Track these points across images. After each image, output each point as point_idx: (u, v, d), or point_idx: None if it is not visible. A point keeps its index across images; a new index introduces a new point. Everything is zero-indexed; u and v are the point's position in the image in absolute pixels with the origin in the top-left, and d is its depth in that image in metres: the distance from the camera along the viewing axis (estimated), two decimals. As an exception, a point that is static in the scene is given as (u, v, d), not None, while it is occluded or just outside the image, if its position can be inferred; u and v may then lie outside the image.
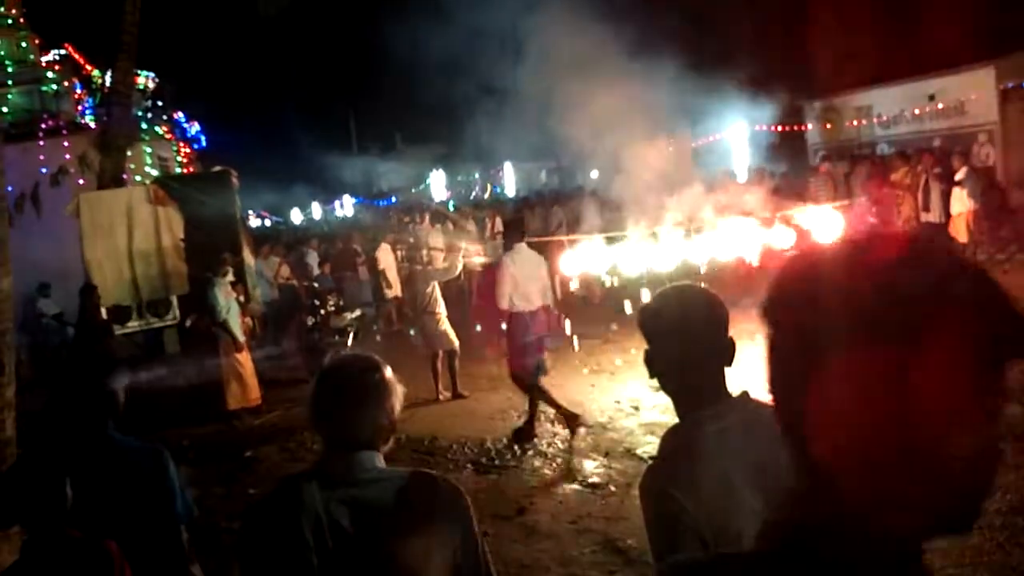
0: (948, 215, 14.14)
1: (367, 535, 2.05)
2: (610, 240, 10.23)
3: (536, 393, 8.30)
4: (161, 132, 21.61)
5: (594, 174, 26.30)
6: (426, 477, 2.22)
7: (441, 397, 9.96)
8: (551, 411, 8.81)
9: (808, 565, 0.90)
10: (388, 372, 2.25)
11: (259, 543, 2.12)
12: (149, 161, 18.65)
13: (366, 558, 2.03)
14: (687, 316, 2.15)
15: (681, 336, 2.13)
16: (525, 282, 8.19)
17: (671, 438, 2.20)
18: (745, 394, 2.20)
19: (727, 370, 2.18)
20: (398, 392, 2.26)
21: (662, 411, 8.33)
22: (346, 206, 37.74)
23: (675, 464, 2.13)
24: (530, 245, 8.75)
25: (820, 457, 0.89)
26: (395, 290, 14.18)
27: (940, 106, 16.93)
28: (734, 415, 2.11)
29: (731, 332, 2.20)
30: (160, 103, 23.07)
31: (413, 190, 34.15)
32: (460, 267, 10.63)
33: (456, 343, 9.96)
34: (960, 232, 13.66)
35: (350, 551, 2.03)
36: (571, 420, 8.15)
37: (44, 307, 14.09)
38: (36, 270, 12.37)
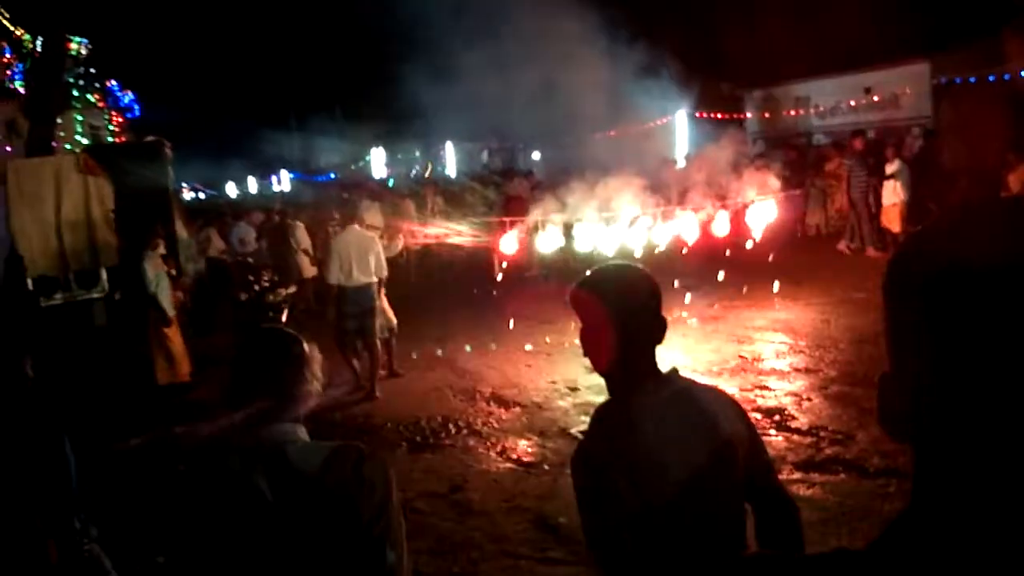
0: (879, 205, 14.47)
1: (288, 505, 2.06)
2: (547, 223, 10.24)
3: (354, 357, 9.33)
4: (93, 100, 21.05)
5: (535, 156, 26.39)
6: (347, 448, 2.23)
7: (377, 376, 9.88)
8: (487, 390, 8.88)
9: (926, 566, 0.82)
10: (305, 346, 2.28)
11: (183, 514, 2.14)
12: (80, 129, 18.17)
13: (287, 527, 2.05)
14: (621, 295, 2.15)
15: (614, 314, 2.13)
16: (348, 261, 9.15)
17: (603, 413, 2.22)
18: (675, 371, 2.22)
19: (658, 348, 2.20)
20: (317, 365, 2.29)
21: (597, 392, 8.39)
22: (283, 181, 37.23)
23: (606, 439, 2.15)
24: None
25: None
26: (313, 270, 14.09)
27: (875, 99, 17.29)
28: (664, 391, 2.14)
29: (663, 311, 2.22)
30: (92, 70, 22.43)
31: (353, 167, 33.80)
32: (400, 246, 10.55)
33: (394, 321, 9.89)
34: (893, 222, 13.99)
35: (272, 521, 2.05)
36: (369, 394, 9.13)
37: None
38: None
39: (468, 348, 10.68)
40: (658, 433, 2.04)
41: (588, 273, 2.28)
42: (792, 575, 0.90)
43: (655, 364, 2.19)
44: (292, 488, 2.08)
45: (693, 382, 2.28)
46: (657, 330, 2.17)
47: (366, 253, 9.27)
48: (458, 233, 14.12)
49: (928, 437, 0.84)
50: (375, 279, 9.33)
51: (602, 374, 2.23)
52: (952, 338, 0.78)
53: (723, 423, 2.13)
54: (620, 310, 2.12)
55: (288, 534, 2.05)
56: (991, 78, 15.23)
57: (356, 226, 9.58)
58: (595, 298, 2.17)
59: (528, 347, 10.53)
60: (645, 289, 2.18)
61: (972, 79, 15.51)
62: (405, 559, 2.23)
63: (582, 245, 9.60)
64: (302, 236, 14.72)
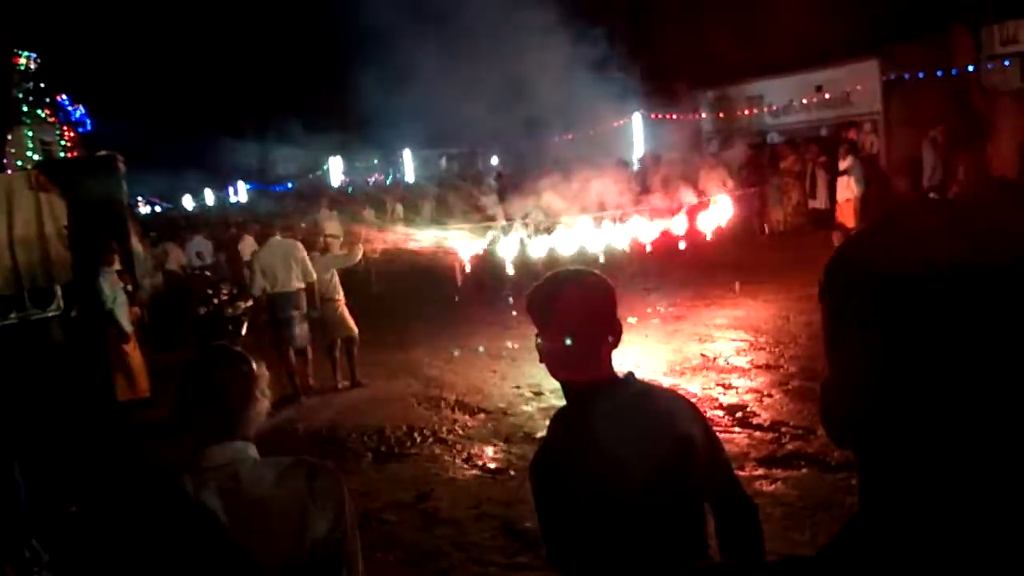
0: (834, 201, 14.68)
1: (240, 523, 2.06)
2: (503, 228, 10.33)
3: (287, 364, 9.43)
4: (43, 115, 20.73)
5: (494, 161, 26.40)
6: (299, 463, 2.22)
7: (340, 386, 9.84)
8: (452, 397, 8.87)
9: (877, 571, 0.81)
10: (254, 364, 2.28)
11: (134, 535, 2.12)
12: (31, 145, 17.88)
13: (240, 546, 2.04)
14: (574, 300, 2.16)
15: (569, 320, 2.14)
16: (273, 269, 9.56)
17: (559, 418, 2.23)
18: (630, 374, 2.23)
19: (613, 352, 2.20)
20: (265, 382, 2.28)
21: (561, 396, 8.40)
22: (240, 192, 36.87)
23: (563, 444, 2.16)
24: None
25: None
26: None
27: (827, 96, 17.52)
28: (620, 395, 2.15)
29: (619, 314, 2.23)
30: (42, 85, 22.08)
31: (311, 176, 33.58)
32: (360, 254, 10.50)
33: (355, 330, 9.84)
34: (848, 217, 14.18)
35: (224, 540, 2.04)
36: (302, 390, 9.51)
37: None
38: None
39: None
40: (614, 436, 2.05)
41: (542, 280, 2.28)
42: None
43: (611, 368, 2.20)
44: (245, 507, 2.07)
45: (650, 385, 2.30)
46: (613, 334, 2.17)
47: (288, 260, 9.55)
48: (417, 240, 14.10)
49: (874, 442, 0.83)
50: (301, 285, 9.55)
51: (558, 380, 2.23)
52: (904, 341, 0.77)
53: (679, 425, 2.15)
54: (574, 315, 2.13)
55: (242, 554, 2.04)
56: (939, 73, 15.50)
57: (277, 236, 9.98)
58: (549, 304, 2.18)
59: (492, 353, 10.52)
60: (599, 294, 2.18)
61: (920, 75, 15.77)
62: (361, 573, 2.23)
63: (538, 251, 9.68)
64: (246, 249, 14.50)
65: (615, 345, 2.18)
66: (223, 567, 2.04)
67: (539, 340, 2.20)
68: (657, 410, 2.16)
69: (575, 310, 2.13)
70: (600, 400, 2.12)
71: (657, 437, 2.09)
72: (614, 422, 2.07)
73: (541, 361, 2.23)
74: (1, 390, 3.30)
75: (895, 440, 0.80)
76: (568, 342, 2.13)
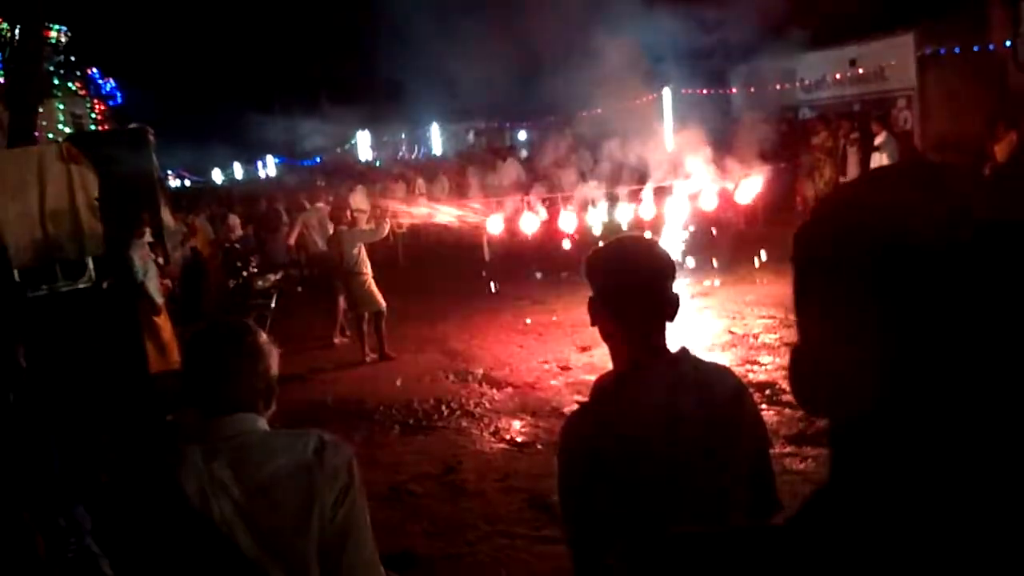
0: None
1: (251, 494, 2.07)
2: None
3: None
4: (74, 88, 20.89)
5: (521, 135, 26.30)
6: (309, 435, 2.21)
7: (368, 359, 9.88)
8: (479, 371, 8.89)
9: (841, 539, 0.81)
10: (261, 336, 2.28)
11: (141, 508, 2.13)
12: (62, 118, 18.03)
13: (251, 519, 2.05)
14: (632, 267, 2.13)
15: (624, 286, 2.11)
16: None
17: (603, 384, 2.18)
18: (684, 350, 2.18)
19: (668, 325, 2.16)
20: (273, 355, 2.28)
21: (589, 371, 8.40)
22: (269, 166, 37.01)
23: (602, 410, 2.12)
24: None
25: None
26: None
27: (861, 71, 17.24)
28: (670, 370, 2.10)
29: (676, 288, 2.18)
30: (73, 58, 22.23)
31: (338, 150, 33.62)
32: (387, 229, 10.51)
33: (383, 304, 9.87)
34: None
35: (234, 512, 2.05)
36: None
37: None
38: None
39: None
40: (665, 410, 2.00)
41: (605, 243, 2.25)
42: (710, 551, 0.87)
43: (664, 340, 2.15)
44: (254, 478, 2.07)
45: (704, 361, 2.23)
46: (668, 306, 2.13)
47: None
48: (445, 214, 14.08)
49: (849, 412, 0.82)
50: None
51: (610, 345, 2.18)
52: (902, 311, 0.75)
53: (731, 405, 2.09)
54: (635, 279, 2.10)
55: (252, 526, 2.05)
56: (975, 48, 15.20)
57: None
58: (612, 266, 2.15)
59: (519, 327, 10.52)
60: (661, 263, 2.15)
61: (957, 50, 15.48)
62: (371, 546, 2.22)
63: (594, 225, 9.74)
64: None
65: (671, 318, 2.14)
66: (235, 537, 2.04)
67: (594, 302, 2.16)
68: (711, 388, 2.10)
69: (636, 274, 2.10)
70: (652, 372, 2.08)
71: (709, 416, 2.03)
72: (666, 395, 2.02)
73: (593, 324, 2.18)
74: (34, 362, 3.31)
75: (874, 411, 0.79)
76: (623, 307, 2.09)
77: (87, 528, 3.26)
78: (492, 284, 12.54)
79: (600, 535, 2.01)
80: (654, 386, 2.05)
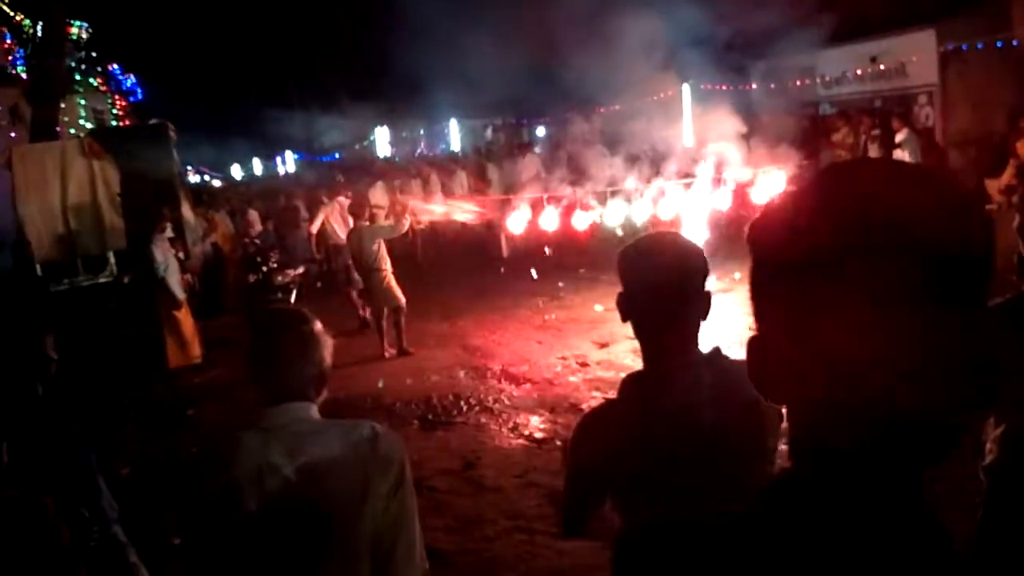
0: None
1: (307, 481, 2.09)
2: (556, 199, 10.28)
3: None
4: (96, 84, 21.03)
5: (540, 132, 26.26)
6: (362, 426, 2.25)
7: (387, 354, 9.91)
8: (497, 367, 8.90)
9: (796, 523, 0.85)
10: (317, 325, 2.30)
11: (199, 491, 2.16)
12: (83, 114, 18.16)
13: (305, 506, 2.08)
14: (658, 265, 2.09)
15: (648, 284, 2.08)
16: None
17: (629, 383, 2.16)
18: (715, 351, 2.14)
19: (701, 324, 2.12)
20: (328, 344, 2.31)
21: (607, 368, 8.41)
22: (288, 162, 37.13)
23: (623, 409, 2.11)
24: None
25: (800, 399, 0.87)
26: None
27: (882, 67, 17.11)
28: (689, 372, 2.06)
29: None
30: (94, 54, 22.38)
31: (357, 146, 33.68)
32: (406, 225, 10.53)
33: (402, 300, 9.89)
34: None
35: (290, 499, 2.08)
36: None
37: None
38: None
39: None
40: (682, 407, 1.98)
41: (640, 237, 2.23)
42: (674, 533, 0.92)
43: (689, 341, 2.11)
44: (310, 466, 2.10)
45: (732, 362, 2.17)
46: (698, 305, 2.09)
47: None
48: (463, 211, 14.09)
49: (808, 401, 0.85)
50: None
51: (641, 341, 2.14)
52: (857, 306, 0.78)
53: (764, 415, 2.01)
54: (659, 280, 2.06)
55: (307, 512, 2.08)
56: (998, 44, 15.05)
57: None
58: (638, 264, 2.11)
59: (537, 324, 10.52)
60: (690, 262, 2.10)
61: (979, 45, 15.34)
62: (418, 536, 2.25)
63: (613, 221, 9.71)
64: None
65: (703, 317, 2.10)
66: (291, 523, 2.07)
67: (626, 297, 2.13)
68: (730, 394, 1.95)
69: (661, 272, 2.06)
70: (671, 374, 2.05)
71: (741, 422, 1.98)
72: (680, 400, 2.00)
73: (624, 320, 2.15)
74: (62, 354, 3.34)
75: (824, 399, 0.82)
76: (655, 303, 2.07)
77: (113, 517, 3.29)
78: (502, 268, 12.55)
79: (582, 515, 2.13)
80: (670, 389, 2.03)
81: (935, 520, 0.87)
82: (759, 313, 0.90)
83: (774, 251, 0.86)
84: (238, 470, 2.10)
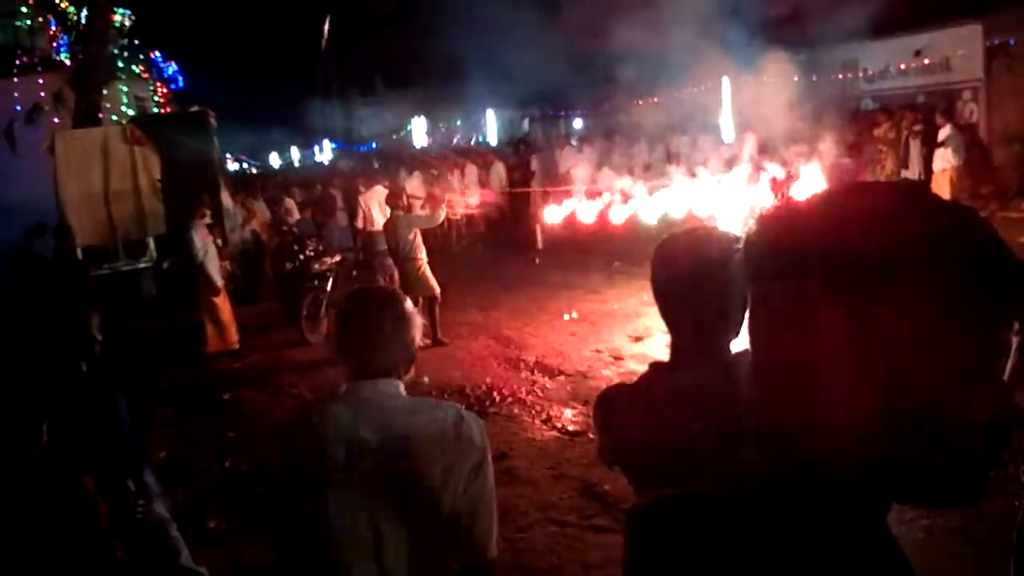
0: (929, 172, 14.15)
1: (391, 457, 2.14)
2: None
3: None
4: (138, 71, 21.26)
5: (577, 123, 26.18)
6: (448, 406, 2.31)
7: (421, 344, 9.92)
8: (531, 358, 8.89)
9: (781, 515, 0.89)
10: (410, 305, 2.37)
11: (288, 457, 2.25)
12: (125, 100, 18.36)
13: (388, 479, 2.14)
14: (681, 262, 2.02)
15: (668, 280, 2.04)
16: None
17: (651, 371, 2.14)
18: (744, 353, 2.07)
19: (736, 321, 1.96)
20: (419, 325, 2.39)
21: (641, 361, 8.36)
22: (325, 151, 37.37)
23: (638, 395, 2.10)
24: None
25: (804, 412, 0.88)
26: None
27: (926, 62, 16.84)
28: (698, 373, 1.98)
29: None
30: (136, 42, 22.63)
31: (394, 136, 33.80)
32: (442, 215, 10.56)
33: (437, 290, 9.92)
34: (943, 189, 13.68)
35: (374, 471, 2.14)
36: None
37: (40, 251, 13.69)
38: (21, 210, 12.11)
39: (571, 315, 10.68)
40: (689, 415, 1.89)
41: (679, 232, 2.16)
42: (682, 510, 0.98)
43: (710, 340, 2.01)
44: (396, 441, 2.15)
45: None
46: (729, 302, 1.91)
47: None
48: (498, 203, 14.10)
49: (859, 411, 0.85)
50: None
51: (672, 334, 2.09)
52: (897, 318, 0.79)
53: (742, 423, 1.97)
54: (677, 276, 2.01)
55: (393, 487, 2.14)
56: (1046, 39, 14.77)
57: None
58: (662, 259, 2.07)
59: (572, 316, 10.50)
60: (717, 260, 1.94)
61: (1026, 40, 15.05)
62: (495, 521, 2.29)
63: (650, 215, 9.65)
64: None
65: (740, 321, 1.90)
66: (376, 496, 2.13)
67: (664, 289, 2.07)
68: (735, 400, 1.91)
69: (680, 269, 2.00)
70: (680, 372, 2.01)
71: (719, 433, 1.92)
72: (697, 399, 1.91)
73: (663, 316, 2.10)
74: (107, 335, 3.39)
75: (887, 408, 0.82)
76: (669, 299, 2.05)
77: (156, 492, 3.35)
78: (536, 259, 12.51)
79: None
80: (677, 388, 1.98)
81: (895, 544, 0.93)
82: (784, 323, 0.91)
83: (836, 258, 0.83)
84: (327, 439, 2.16)
